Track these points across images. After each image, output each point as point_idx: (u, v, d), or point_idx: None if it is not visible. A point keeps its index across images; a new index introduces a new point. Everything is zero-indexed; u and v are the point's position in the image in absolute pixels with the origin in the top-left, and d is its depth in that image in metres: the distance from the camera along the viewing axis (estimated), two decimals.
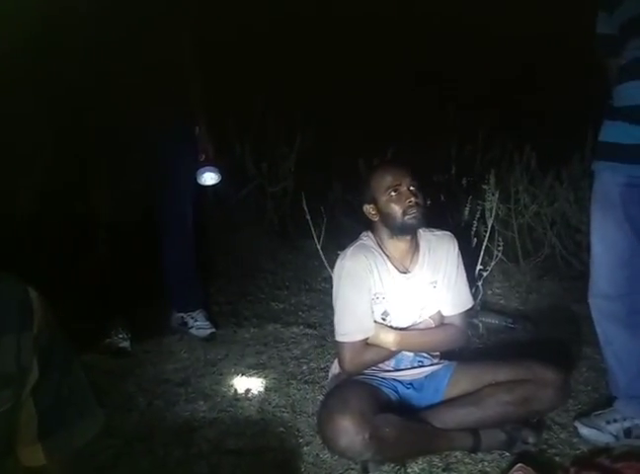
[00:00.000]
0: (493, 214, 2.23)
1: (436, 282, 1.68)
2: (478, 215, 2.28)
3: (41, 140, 2.25)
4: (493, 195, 2.29)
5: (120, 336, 2.05)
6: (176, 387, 1.83)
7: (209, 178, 2.09)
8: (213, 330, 2.19)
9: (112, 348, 2.02)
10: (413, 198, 1.58)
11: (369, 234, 1.67)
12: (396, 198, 1.58)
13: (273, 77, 3.43)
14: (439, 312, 1.71)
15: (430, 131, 3.07)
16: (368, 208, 1.63)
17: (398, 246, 1.63)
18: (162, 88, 1.94)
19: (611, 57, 1.56)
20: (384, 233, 1.63)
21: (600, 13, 1.56)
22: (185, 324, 2.20)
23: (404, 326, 1.66)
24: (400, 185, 1.58)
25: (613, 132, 1.53)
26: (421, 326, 1.68)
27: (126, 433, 1.58)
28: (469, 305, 1.73)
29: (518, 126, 3.00)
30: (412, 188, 1.59)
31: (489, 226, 2.24)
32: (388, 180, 1.59)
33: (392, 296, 1.63)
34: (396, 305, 1.64)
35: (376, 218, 1.63)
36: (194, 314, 2.20)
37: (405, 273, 1.64)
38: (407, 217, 1.58)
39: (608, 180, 1.54)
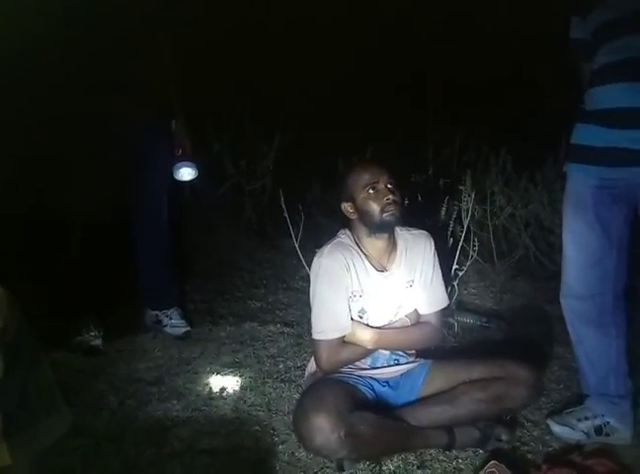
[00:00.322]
0: (469, 215, 2.26)
1: (412, 281, 1.68)
2: (454, 216, 2.30)
3: (13, 139, 2.19)
4: (469, 196, 2.31)
5: (92, 334, 2.01)
6: (149, 386, 1.80)
7: (186, 173, 2.07)
8: (188, 328, 2.16)
9: (83, 345, 1.98)
10: (391, 196, 1.58)
11: (347, 232, 1.67)
12: (374, 196, 1.59)
13: (252, 76, 3.41)
14: (415, 310, 1.72)
15: (407, 133, 3.09)
16: (346, 206, 1.63)
17: (376, 244, 1.64)
18: (136, 83, 1.91)
19: (584, 62, 1.59)
20: (362, 231, 1.63)
21: (572, 18, 1.59)
22: (159, 322, 2.16)
23: (380, 324, 1.66)
24: (378, 182, 1.59)
25: (585, 135, 1.56)
26: (397, 324, 1.69)
27: (97, 432, 1.54)
28: (445, 304, 1.74)
29: (494, 129, 3.04)
30: (389, 185, 1.59)
31: (465, 227, 2.26)
32: (366, 178, 1.60)
33: (369, 294, 1.63)
34: (373, 303, 1.64)
35: (354, 216, 1.62)
36: (168, 312, 2.17)
37: (382, 271, 1.64)
38: (385, 215, 1.58)
39: (580, 182, 1.57)
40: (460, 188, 2.33)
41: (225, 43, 3.47)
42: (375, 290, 1.63)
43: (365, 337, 1.62)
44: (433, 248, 1.71)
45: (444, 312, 1.75)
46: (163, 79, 2.02)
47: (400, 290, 1.67)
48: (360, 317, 1.64)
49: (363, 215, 1.60)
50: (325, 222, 2.99)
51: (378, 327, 1.65)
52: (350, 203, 1.62)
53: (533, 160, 2.74)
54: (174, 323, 2.15)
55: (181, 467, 1.45)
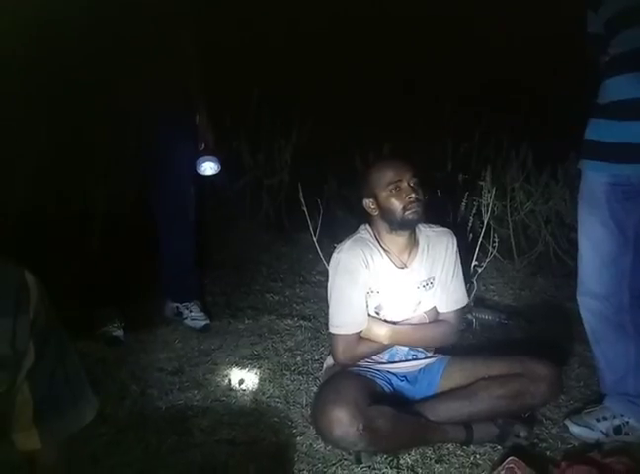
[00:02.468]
0: (489, 211, 2.24)
1: (433, 279, 1.68)
2: (474, 212, 2.29)
3: (37, 130, 2.22)
4: (489, 191, 2.29)
5: (114, 325, 2.04)
6: (169, 376, 1.83)
7: (209, 167, 2.08)
8: (208, 321, 2.18)
9: (106, 336, 2.01)
10: (413, 194, 1.57)
11: (367, 227, 1.66)
12: (397, 194, 1.58)
13: (270, 70, 3.41)
14: (433, 308, 1.71)
15: (426, 128, 3.07)
16: (368, 203, 1.62)
17: (397, 241, 1.63)
18: (160, 74, 1.92)
19: (600, 55, 1.57)
20: (383, 228, 1.63)
21: (588, 12, 1.58)
22: (179, 314, 2.19)
23: (397, 320, 1.66)
24: (401, 180, 1.58)
25: (596, 130, 1.54)
26: (414, 321, 1.69)
27: (119, 420, 1.57)
28: (464, 303, 1.73)
29: (514, 124, 3.01)
30: (412, 183, 1.58)
31: (485, 223, 2.24)
32: (389, 175, 1.59)
33: (387, 291, 1.63)
34: (391, 300, 1.64)
35: (376, 213, 1.62)
36: (188, 305, 2.19)
37: (402, 267, 1.64)
38: (407, 213, 1.57)
39: (593, 178, 1.55)
40: (480, 183, 2.31)
41: (243, 38, 3.48)
42: (394, 287, 1.63)
43: (382, 332, 1.63)
44: (455, 246, 1.70)
45: (463, 310, 1.74)
46: (186, 73, 2.03)
47: (419, 288, 1.66)
48: (377, 313, 1.64)
49: (386, 213, 1.60)
50: (342, 217, 2.99)
51: (395, 323, 1.65)
52: (372, 200, 1.62)
53: (555, 155, 2.70)
54: (194, 316, 2.17)
55: (201, 456, 1.47)
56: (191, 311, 2.18)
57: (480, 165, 2.63)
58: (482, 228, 2.24)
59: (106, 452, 1.44)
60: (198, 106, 2.07)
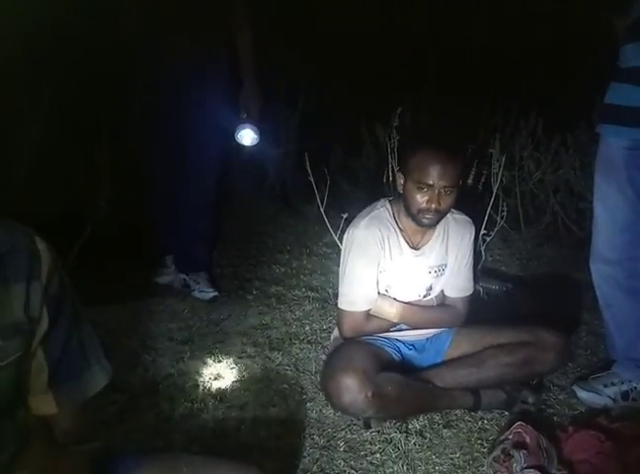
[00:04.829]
0: (498, 180, 2.21)
1: (444, 265, 1.67)
2: (483, 180, 2.26)
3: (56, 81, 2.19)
4: (497, 160, 2.26)
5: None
6: (180, 345, 1.85)
7: (249, 137, 2.04)
8: (216, 293, 2.19)
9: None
10: (434, 205, 1.50)
11: (387, 204, 1.63)
12: (421, 193, 1.51)
13: (274, 37, 3.34)
14: (441, 292, 1.72)
15: (435, 96, 3.01)
16: (400, 178, 1.57)
17: (412, 224, 1.60)
18: (209, 40, 1.92)
19: (618, 17, 1.52)
20: (402, 208, 1.60)
21: None
22: (187, 286, 2.20)
23: (405, 301, 1.67)
24: (432, 185, 1.50)
25: (618, 94, 1.50)
26: (422, 303, 1.69)
27: (131, 388, 1.60)
28: (470, 292, 1.73)
29: (523, 92, 2.95)
30: (442, 191, 1.50)
31: (493, 192, 2.22)
32: (424, 174, 1.49)
33: (398, 271, 1.63)
34: (400, 280, 1.64)
35: (400, 190, 1.58)
36: (196, 277, 2.19)
37: (415, 249, 1.63)
38: (420, 216, 1.54)
39: (612, 143, 1.53)
40: (490, 150, 2.27)
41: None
42: (405, 267, 1.63)
43: (392, 310, 1.63)
44: (472, 236, 1.68)
45: (469, 298, 1.73)
46: (238, 40, 2.02)
47: (430, 272, 1.66)
48: (387, 291, 1.65)
49: (404, 198, 1.56)
50: (348, 189, 2.97)
51: (406, 302, 1.66)
52: (402, 178, 1.56)
53: (565, 123, 2.65)
54: (201, 288, 2.18)
55: (213, 422, 1.50)
56: (198, 283, 2.19)
57: (489, 133, 2.59)
58: (491, 198, 2.22)
59: (119, 418, 1.47)
60: (245, 74, 2.03)
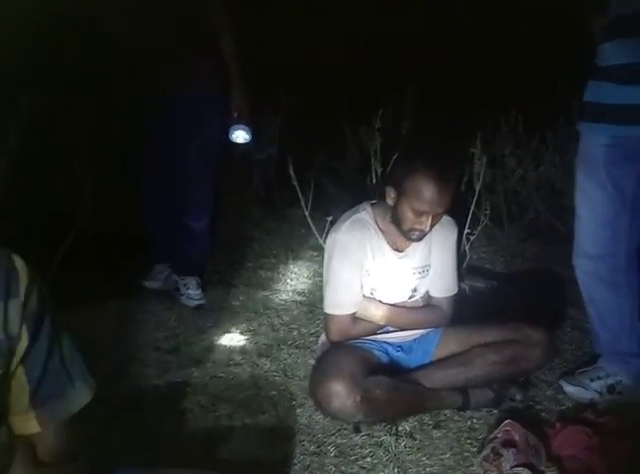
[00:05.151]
0: (480, 179, 2.23)
1: (428, 266, 1.68)
2: (465, 179, 2.28)
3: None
4: (479, 159, 2.28)
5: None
6: (166, 355, 1.83)
7: (242, 136, 2.09)
8: (202, 302, 2.17)
9: None
10: (425, 227, 1.52)
11: (368, 208, 1.63)
12: (413, 214, 1.52)
13: (256, 42, 3.32)
14: (426, 293, 1.72)
15: (416, 96, 3.03)
16: (390, 191, 1.55)
17: (395, 229, 1.60)
18: (193, 42, 1.92)
19: (596, 16, 1.54)
20: (387, 215, 1.60)
21: None
22: (177, 290, 2.19)
23: (391, 303, 1.67)
24: (427, 211, 1.51)
25: (596, 92, 1.52)
26: (407, 304, 1.70)
27: (117, 400, 1.57)
28: (455, 291, 1.73)
29: (504, 89, 2.98)
30: (433, 216, 1.52)
31: (476, 191, 2.24)
32: (422, 201, 1.49)
33: (382, 274, 1.63)
34: (385, 283, 1.65)
35: (391, 203, 1.56)
36: (187, 281, 2.18)
37: (399, 251, 1.63)
38: (409, 234, 1.56)
39: (592, 140, 1.55)
40: (472, 150, 2.29)
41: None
42: (389, 270, 1.63)
43: (378, 313, 1.64)
44: (455, 237, 1.69)
45: (454, 298, 1.74)
46: (221, 41, 2.03)
47: (414, 273, 1.66)
48: (372, 294, 1.65)
49: (396, 214, 1.55)
50: (333, 191, 2.97)
51: (392, 304, 1.66)
52: (394, 193, 1.54)
53: (545, 120, 2.68)
54: (190, 294, 2.17)
55: (202, 432, 1.48)
56: (188, 288, 2.17)
57: (470, 132, 2.61)
58: (474, 196, 2.23)
59: (104, 432, 1.45)
60: (232, 74, 2.05)
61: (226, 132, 2.09)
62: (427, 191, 1.48)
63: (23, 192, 2.06)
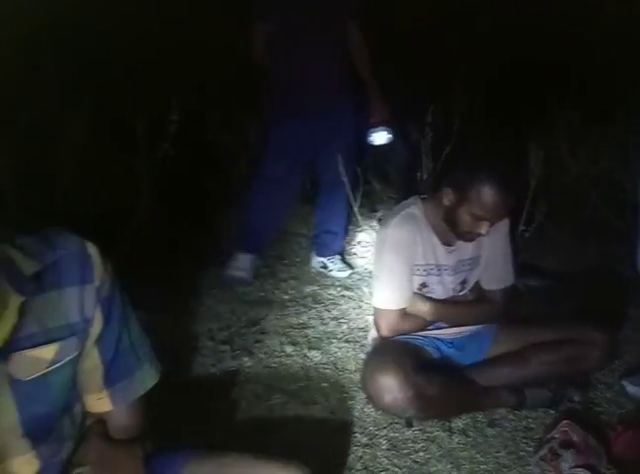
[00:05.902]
0: (537, 175, 2.17)
1: (479, 258, 1.65)
2: (520, 177, 2.22)
3: None
4: (536, 155, 2.21)
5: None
6: (221, 344, 1.88)
7: (383, 137, 2.24)
8: (351, 270, 2.41)
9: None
10: (483, 232, 1.51)
11: (419, 202, 1.62)
12: (472, 222, 1.51)
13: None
14: (477, 285, 1.69)
15: (474, 87, 2.96)
16: (449, 192, 1.53)
17: (447, 227, 1.59)
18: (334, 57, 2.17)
19: None
20: (439, 213, 1.58)
21: None
22: (325, 267, 2.43)
23: (442, 298, 1.65)
24: (488, 220, 1.50)
25: None
26: (457, 299, 1.67)
27: (174, 386, 1.62)
28: (510, 282, 1.69)
29: (561, 84, 2.88)
30: (492, 225, 1.51)
31: (532, 186, 2.18)
32: (485, 210, 1.47)
33: (433, 269, 1.62)
34: (436, 278, 1.63)
35: (447, 204, 1.54)
36: (333, 258, 2.42)
37: (449, 245, 1.62)
38: (465, 235, 1.55)
39: None
40: (528, 146, 2.22)
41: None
42: (439, 265, 1.61)
43: (426, 308, 1.62)
44: (507, 227, 1.66)
45: (509, 290, 1.70)
46: (357, 56, 2.24)
47: (465, 266, 1.64)
48: (422, 290, 1.63)
49: (451, 216, 1.54)
50: (379, 187, 2.96)
51: (439, 301, 1.65)
52: (453, 196, 1.52)
53: (603, 115, 2.58)
54: (339, 267, 2.40)
55: (256, 420, 1.52)
56: (335, 264, 2.41)
57: (526, 127, 2.54)
58: (530, 193, 2.17)
59: (163, 416, 1.50)
60: (367, 79, 2.24)
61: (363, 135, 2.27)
62: (491, 201, 1.47)
63: (90, 187, 2.17)
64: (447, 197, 1.53)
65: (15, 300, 0.76)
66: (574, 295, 2.18)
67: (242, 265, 2.35)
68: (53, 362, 0.81)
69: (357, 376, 1.67)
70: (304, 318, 2.08)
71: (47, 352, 0.80)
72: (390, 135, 2.25)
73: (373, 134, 2.24)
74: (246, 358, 1.80)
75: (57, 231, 0.84)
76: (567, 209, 2.56)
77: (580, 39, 3.35)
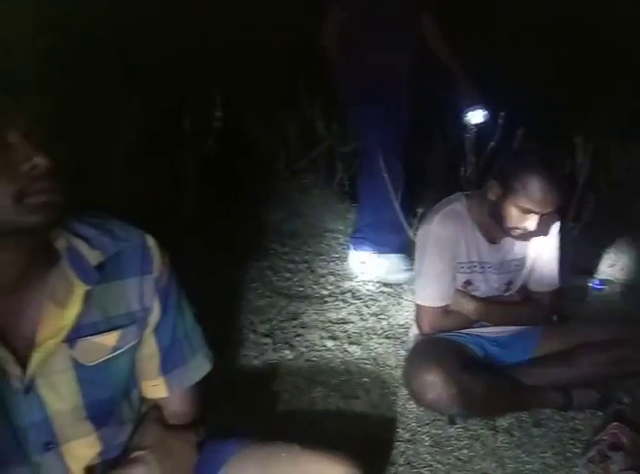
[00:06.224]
0: (585, 170, 2.11)
1: (525, 258, 1.62)
2: (567, 171, 2.16)
3: None
4: (583, 149, 2.15)
5: None
6: (263, 337, 1.91)
7: (479, 115, 2.28)
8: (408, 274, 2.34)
9: None
10: (532, 227, 1.47)
11: (462, 198, 1.60)
12: (519, 216, 1.47)
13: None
14: (524, 286, 1.66)
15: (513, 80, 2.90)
16: (494, 185, 1.50)
17: (493, 223, 1.56)
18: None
19: None
20: (484, 209, 1.55)
21: None
22: (363, 263, 2.37)
23: (485, 297, 1.63)
24: (537, 212, 1.46)
25: None
26: (503, 299, 1.64)
27: (219, 377, 1.65)
28: (555, 286, 1.66)
29: (608, 78, 2.78)
30: (543, 218, 1.46)
31: (580, 184, 2.12)
32: (532, 202, 1.44)
33: (476, 266, 1.59)
34: (479, 275, 1.61)
35: (492, 198, 1.51)
36: (374, 255, 2.35)
37: (494, 243, 1.59)
38: (514, 233, 1.51)
39: None
40: (575, 140, 2.16)
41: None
42: (484, 263, 1.59)
43: (470, 307, 1.60)
44: (556, 229, 1.62)
45: (555, 294, 1.66)
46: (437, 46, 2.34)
47: (510, 266, 1.61)
48: (466, 287, 1.62)
49: (497, 212, 1.50)
50: (420, 184, 2.93)
51: (485, 299, 1.62)
52: (500, 189, 1.48)
53: None
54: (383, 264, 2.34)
55: (298, 413, 1.54)
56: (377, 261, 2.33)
57: (574, 120, 2.47)
58: (577, 190, 2.12)
59: (214, 405, 1.53)
60: (454, 67, 2.33)
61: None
62: (537, 193, 1.43)
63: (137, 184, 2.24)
64: (493, 191, 1.50)
65: (80, 289, 0.79)
66: (624, 296, 2.12)
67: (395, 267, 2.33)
68: (115, 349, 0.84)
69: (398, 372, 1.67)
70: (344, 313, 2.08)
71: (110, 338, 0.84)
72: (486, 113, 2.27)
73: (469, 114, 2.27)
74: (287, 352, 1.82)
75: (119, 224, 0.87)
76: (617, 206, 2.48)
77: (634, 35, 3.23)
